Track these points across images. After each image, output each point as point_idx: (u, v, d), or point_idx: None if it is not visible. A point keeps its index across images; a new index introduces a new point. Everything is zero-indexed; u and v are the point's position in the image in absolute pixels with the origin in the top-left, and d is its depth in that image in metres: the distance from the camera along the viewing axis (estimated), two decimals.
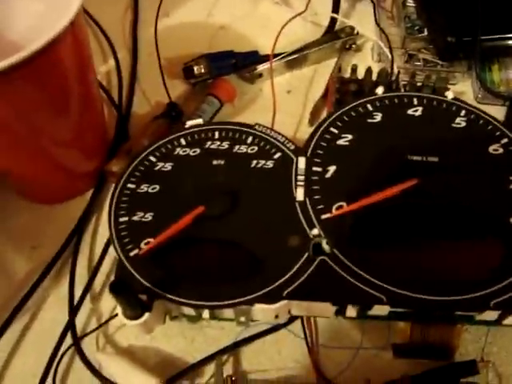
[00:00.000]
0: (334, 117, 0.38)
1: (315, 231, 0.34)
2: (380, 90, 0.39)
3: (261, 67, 0.47)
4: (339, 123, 0.38)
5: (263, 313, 0.33)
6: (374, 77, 0.44)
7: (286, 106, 0.46)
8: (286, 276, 0.33)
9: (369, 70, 0.43)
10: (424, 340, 0.35)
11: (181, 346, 0.37)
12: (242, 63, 0.46)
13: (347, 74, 0.46)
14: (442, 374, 0.36)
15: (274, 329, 0.37)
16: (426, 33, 0.49)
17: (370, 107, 0.39)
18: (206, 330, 0.38)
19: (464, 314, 0.34)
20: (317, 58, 0.48)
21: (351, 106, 0.39)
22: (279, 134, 0.38)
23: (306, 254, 0.33)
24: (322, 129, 0.38)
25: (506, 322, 0.34)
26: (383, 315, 0.34)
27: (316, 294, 0.33)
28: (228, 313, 0.34)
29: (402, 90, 0.43)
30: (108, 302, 0.38)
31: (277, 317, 0.34)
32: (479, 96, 0.47)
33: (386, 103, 0.39)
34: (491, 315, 0.33)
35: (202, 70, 0.45)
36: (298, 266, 0.33)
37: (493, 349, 0.37)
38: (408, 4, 0.50)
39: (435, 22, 0.47)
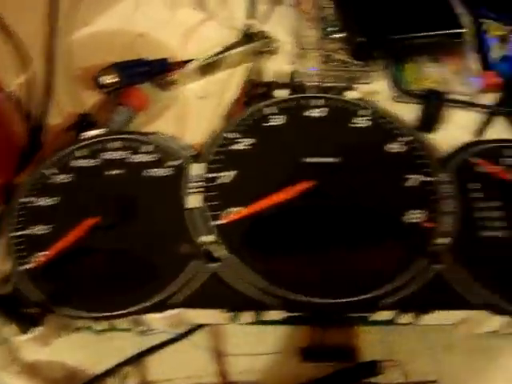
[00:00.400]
0: (234, 121, 0.38)
1: (210, 238, 0.34)
2: (283, 93, 0.39)
3: (174, 74, 0.46)
4: (240, 127, 0.38)
5: (158, 322, 0.33)
6: (285, 79, 0.44)
7: (200, 112, 0.46)
8: (177, 284, 0.32)
9: (277, 73, 0.43)
10: (324, 343, 0.35)
11: (86, 358, 0.37)
12: (154, 71, 0.45)
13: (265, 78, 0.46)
14: (343, 376, 0.36)
15: (180, 337, 0.37)
16: (342, 34, 0.48)
17: (272, 110, 0.39)
18: (111, 341, 0.37)
19: (358, 316, 0.34)
20: (232, 63, 0.48)
21: (252, 109, 0.39)
22: (179, 141, 0.38)
23: (197, 262, 0.33)
24: (221, 134, 0.38)
25: (402, 321, 0.34)
26: (280, 320, 0.34)
27: (209, 301, 0.33)
28: (124, 323, 0.34)
29: (311, 91, 0.42)
30: None
31: (176, 325, 0.34)
32: (395, 95, 0.47)
33: (289, 106, 0.39)
34: (386, 315, 0.33)
35: (113, 80, 0.45)
36: (187, 274, 0.33)
37: (400, 348, 0.37)
38: (326, 6, 0.50)
39: (348, 22, 0.47)
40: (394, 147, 0.38)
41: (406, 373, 0.37)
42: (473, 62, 0.48)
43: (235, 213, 0.34)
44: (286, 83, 0.42)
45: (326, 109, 0.39)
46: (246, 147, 0.37)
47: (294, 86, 0.43)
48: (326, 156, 0.37)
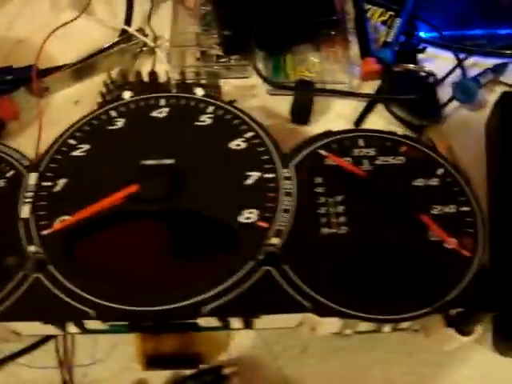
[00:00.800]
0: (72, 128, 0.37)
1: (33, 248, 0.33)
2: (127, 95, 0.39)
3: (48, 79, 0.46)
4: (78, 133, 0.37)
5: None
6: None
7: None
8: (1, 295, 0.32)
9: (138, 74, 0.42)
10: (158, 350, 0.34)
11: None
12: (21, 78, 0.45)
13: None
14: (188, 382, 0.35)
15: (26, 350, 0.37)
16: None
17: (113, 113, 0.38)
18: None
19: (189, 323, 0.33)
20: (108, 65, 0.47)
21: (93, 114, 0.38)
22: (15, 150, 0.37)
23: (22, 273, 0.33)
24: (58, 141, 0.37)
25: (234, 326, 0.33)
26: (105, 329, 0.33)
27: (29, 312, 0.32)
28: None
29: (172, 90, 0.41)
30: None
31: (9, 339, 0.34)
32: (268, 88, 0.45)
33: (131, 107, 0.38)
34: (212, 321, 0.32)
35: None
36: (11, 285, 0.32)
37: (247, 353, 0.36)
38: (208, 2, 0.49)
39: (217, 17, 0.45)
40: (236, 144, 0.36)
41: (251, 379, 0.36)
42: (354, 49, 0.47)
43: (60, 222, 0.34)
44: (142, 84, 0.41)
45: (170, 108, 0.38)
46: (82, 153, 0.36)
47: (154, 85, 0.41)
48: (163, 158, 0.36)
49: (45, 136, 0.44)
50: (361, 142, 0.37)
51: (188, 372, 0.36)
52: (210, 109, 0.38)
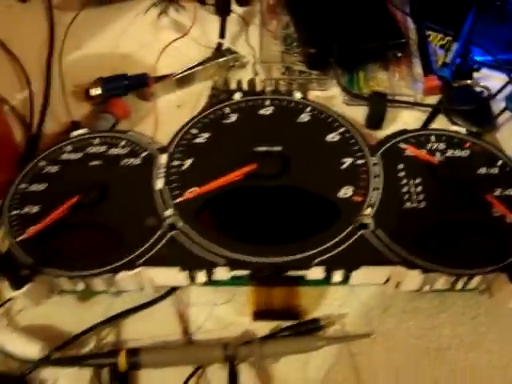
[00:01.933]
0: (194, 120, 0.48)
1: (169, 212, 0.43)
2: (238, 96, 0.49)
3: (154, 87, 0.56)
4: (199, 125, 0.47)
5: (127, 281, 0.42)
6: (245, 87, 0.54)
7: (177, 119, 0.55)
8: (143, 248, 0.41)
9: (239, 82, 0.53)
10: (270, 303, 0.43)
11: (71, 321, 0.45)
12: (134, 84, 0.56)
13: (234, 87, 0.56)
14: (290, 332, 0.44)
15: (151, 302, 0.46)
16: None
17: (227, 110, 0.48)
18: (93, 305, 0.46)
19: (296, 276, 0.42)
20: (205, 76, 0.58)
21: (210, 110, 0.48)
22: (147, 137, 0.47)
23: (161, 230, 0.42)
24: (183, 130, 0.47)
25: (335, 279, 0.42)
26: (229, 280, 0.42)
27: (166, 261, 0.41)
28: (99, 284, 0.42)
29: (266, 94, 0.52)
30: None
31: (142, 285, 0.43)
32: (346, 98, 0.56)
33: (242, 106, 0.49)
34: (318, 273, 0.42)
35: (99, 92, 0.55)
36: (153, 239, 0.42)
37: (342, 309, 0.45)
38: (289, 25, 0.60)
39: (302, 36, 0.56)
40: (331, 137, 0.46)
41: (344, 331, 0.45)
42: (417, 68, 0.57)
43: (190, 192, 0.43)
44: (245, 90, 0.52)
45: (274, 107, 0.48)
46: (203, 140, 0.46)
47: (253, 92, 0.52)
48: (272, 146, 0.46)
49: (151, 133, 0.54)
50: (432, 138, 0.47)
51: (288, 324, 0.44)
52: (308, 109, 0.48)
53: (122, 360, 0.41)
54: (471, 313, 0.45)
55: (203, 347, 0.43)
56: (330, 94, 0.57)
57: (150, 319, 0.45)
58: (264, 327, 0.44)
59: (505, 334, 0.44)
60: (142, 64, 0.60)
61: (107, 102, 0.55)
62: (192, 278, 0.42)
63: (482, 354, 0.43)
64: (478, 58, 0.58)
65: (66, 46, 0.61)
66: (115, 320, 0.45)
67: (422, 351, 0.44)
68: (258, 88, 0.53)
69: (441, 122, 0.55)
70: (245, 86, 0.52)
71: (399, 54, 0.57)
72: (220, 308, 0.45)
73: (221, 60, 0.58)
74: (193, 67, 0.57)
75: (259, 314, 0.44)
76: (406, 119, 0.56)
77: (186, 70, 0.57)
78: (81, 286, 0.43)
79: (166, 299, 0.46)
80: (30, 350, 0.42)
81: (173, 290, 0.46)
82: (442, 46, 0.59)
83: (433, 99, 0.57)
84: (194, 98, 0.57)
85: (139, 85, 0.56)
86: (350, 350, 0.44)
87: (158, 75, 0.58)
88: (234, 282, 0.43)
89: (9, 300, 0.45)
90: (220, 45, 0.59)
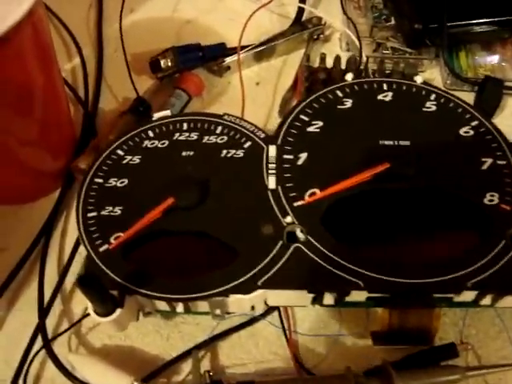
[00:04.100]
0: (303, 104, 0.38)
1: (289, 219, 0.34)
2: (349, 77, 0.39)
3: (228, 60, 0.46)
4: (309, 110, 0.38)
5: (239, 304, 0.33)
6: (343, 65, 0.44)
7: (256, 98, 0.46)
8: (261, 265, 0.32)
9: (337, 59, 0.43)
10: (402, 326, 0.35)
11: (156, 344, 0.36)
12: (210, 56, 0.45)
13: (316, 64, 0.46)
14: (422, 359, 0.35)
15: (251, 321, 0.37)
16: (393, 21, 0.48)
17: (339, 94, 0.39)
18: (181, 326, 0.37)
19: (442, 297, 0.33)
20: (285, 49, 0.48)
21: (321, 93, 0.39)
22: (248, 122, 0.37)
23: (280, 243, 0.33)
24: (291, 117, 0.37)
25: (483, 302, 0.34)
26: (361, 301, 0.33)
27: (291, 282, 0.32)
28: (203, 306, 0.33)
29: (372, 77, 0.42)
30: (79, 303, 0.37)
31: (253, 308, 0.34)
32: (447, 82, 0.47)
33: (356, 89, 0.39)
34: (468, 296, 0.33)
35: (169, 64, 0.44)
36: (272, 254, 0.32)
37: (471, 331, 0.37)
38: None
39: (402, 10, 0.47)
40: (465, 131, 0.37)
41: (478, 356, 0.37)
42: None
43: (312, 195, 0.34)
44: (349, 69, 0.42)
45: (394, 93, 0.39)
46: (317, 130, 0.37)
47: (359, 71, 0.42)
48: (399, 139, 0.36)
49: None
50: None
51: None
52: (433, 96, 0.39)
53: None
54: None
55: (328, 379, 0.34)
56: (427, 77, 0.47)
57: (250, 342, 0.36)
58: (387, 353, 0.36)
59: None
60: (205, 33, 0.49)
61: (176, 76, 0.44)
62: (316, 300, 0.33)
63: None
64: None
65: (117, 8, 0.49)
66: (212, 343, 0.36)
67: None
68: (343, 66, 0.43)
69: None
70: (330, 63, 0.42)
71: (506, 35, 0.47)
72: (331, 327, 0.37)
73: (305, 32, 0.47)
74: (272, 39, 0.47)
75: (382, 338, 0.35)
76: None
77: (265, 42, 0.47)
78: (180, 309, 0.33)
79: (267, 317, 0.37)
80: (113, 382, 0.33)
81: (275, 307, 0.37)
82: None
83: None
84: (273, 75, 0.47)
85: (214, 57, 0.45)
86: (484, 378, 0.36)
87: (232, 46, 0.47)
88: (368, 303, 0.34)
89: (83, 318, 0.35)
90: (301, 13, 0.48)
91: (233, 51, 0.46)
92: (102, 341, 0.36)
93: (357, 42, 0.45)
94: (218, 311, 0.34)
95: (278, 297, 0.33)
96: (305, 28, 0.48)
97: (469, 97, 0.45)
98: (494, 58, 0.48)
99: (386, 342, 0.36)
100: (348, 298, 0.33)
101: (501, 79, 0.45)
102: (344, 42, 0.48)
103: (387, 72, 0.43)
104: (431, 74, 0.48)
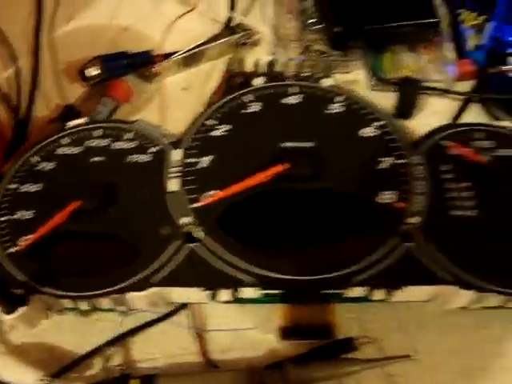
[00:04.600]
0: (211, 109, 0.40)
1: (187, 220, 0.36)
2: (258, 81, 0.41)
3: (157, 66, 0.48)
4: (217, 115, 0.40)
5: (139, 301, 0.35)
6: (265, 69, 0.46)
7: (182, 103, 0.48)
8: (156, 264, 0.34)
9: (256, 63, 0.45)
10: (303, 321, 0.37)
11: (73, 341, 0.38)
12: (138, 63, 0.47)
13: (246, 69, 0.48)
14: (323, 352, 0.37)
15: (163, 318, 0.39)
16: (321, 25, 0.50)
17: (248, 98, 0.41)
18: (97, 323, 0.39)
19: (333, 293, 0.35)
20: (214, 54, 0.50)
21: (229, 97, 0.40)
22: (157, 128, 0.39)
23: (177, 243, 0.35)
24: (198, 121, 0.39)
25: (376, 297, 0.36)
26: (257, 298, 0.35)
27: (185, 280, 0.34)
28: (106, 303, 0.35)
29: (289, 80, 0.44)
30: None
31: (156, 304, 0.36)
32: (372, 83, 0.48)
33: (264, 93, 0.41)
34: (359, 292, 0.35)
35: (96, 72, 0.46)
36: (167, 254, 0.35)
37: (375, 325, 0.39)
38: None
39: (325, 13, 0.48)
40: (368, 132, 0.39)
41: (380, 349, 0.38)
42: (448, 50, 0.50)
43: (211, 196, 0.36)
44: (264, 72, 0.44)
45: (301, 96, 0.41)
46: (223, 133, 0.39)
47: (272, 74, 0.44)
48: (301, 141, 0.38)
49: (156, 119, 0.46)
50: (480, 135, 0.40)
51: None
52: (339, 98, 0.41)
53: None
54: None
55: (227, 374, 0.36)
56: (352, 78, 0.49)
57: (162, 338, 0.38)
58: (293, 347, 0.38)
59: None
60: (141, 40, 0.51)
61: (106, 83, 0.47)
62: (213, 296, 0.35)
63: None
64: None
65: (56, 16, 0.51)
66: (124, 339, 0.38)
67: (466, 370, 0.38)
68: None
69: (475, 112, 0.48)
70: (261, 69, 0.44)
71: (429, 36, 0.49)
72: (241, 323, 0.39)
73: (232, 37, 0.49)
74: (201, 44, 0.49)
75: (287, 333, 0.37)
76: (435, 107, 0.49)
77: (193, 48, 0.49)
78: (84, 306, 0.35)
79: (179, 314, 0.39)
80: (25, 378, 0.35)
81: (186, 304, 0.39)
82: (473, 26, 0.51)
83: (464, 86, 0.50)
84: (201, 80, 0.50)
85: (142, 64, 0.47)
86: (387, 370, 0.38)
87: (160, 53, 0.49)
88: (265, 299, 0.36)
89: None
90: (230, 19, 0.50)
91: (162, 57, 0.48)
92: (20, 338, 0.38)
93: (279, 46, 0.47)
94: (122, 308, 0.36)
95: (179, 294, 0.35)
96: (233, 33, 0.50)
97: (393, 97, 0.47)
98: (418, 59, 0.50)
99: (289, 336, 0.38)
100: (246, 295, 0.35)
101: (417, 80, 0.46)
102: (270, 46, 0.50)
103: (305, 74, 0.44)
104: (357, 75, 0.50)
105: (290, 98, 0.41)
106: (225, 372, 0.37)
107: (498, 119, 0.47)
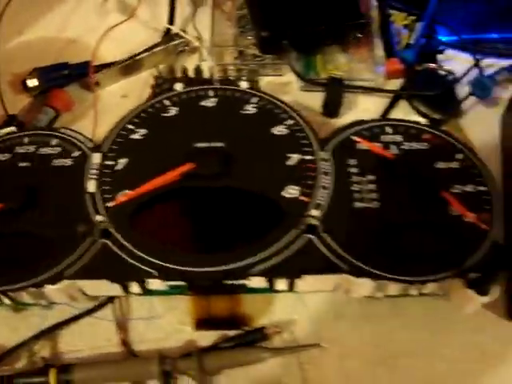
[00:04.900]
0: (130, 114, 0.43)
1: (100, 218, 0.39)
2: (178, 86, 0.44)
3: (99, 75, 0.52)
4: (136, 120, 0.43)
5: (55, 294, 0.38)
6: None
7: (122, 110, 0.51)
8: (69, 259, 0.37)
9: (184, 69, 0.48)
10: (215, 312, 0.40)
11: (5, 335, 0.42)
12: (78, 73, 0.51)
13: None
14: (233, 342, 0.40)
15: (89, 312, 0.42)
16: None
17: (167, 103, 0.44)
18: (29, 318, 0.42)
19: (237, 284, 0.38)
20: (153, 62, 0.53)
21: (149, 103, 0.44)
22: (81, 134, 0.43)
23: (91, 239, 0.38)
24: (118, 126, 0.43)
25: (278, 287, 0.38)
26: (163, 290, 0.38)
27: (97, 273, 0.37)
28: (27, 297, 0.39)
29: (215, 84, 0.47)
30: None
31: (74, 298, 0.39)
32: (301, 85, 0.51)
33: (183, 98, 0.44)
34: (260, 282, 0.38)
35: (36, 83, 0.50)
36: (81, 249, 0.38)
37: (286, 316, 0.41)
38: (244, 6, 0.55)
39: (254, 18, 0.51)
40: (279, 130, 0.42)
41: (291, 338, 0.41)
42: (379, 50, 0.53)
43: (123, 195, 0.39)
44: (190, 78, 0.47)
45: (218, 99, 0.44)
46: (141, 137, 0.42)
47: (201, 80, 0.47)
48: (214, 141, 0.41)
49: (97, 125, 0.50)
50: (389, 130, 0.43)
51: (233, 333, 0.41)
52: (254, 99, 0.44)
53: (51, 379, 0.37)
54: (428, 317, 0.42)
55: (139, 361, 0.39)
56: (285, 80, 0.52)
57: (88, 330, 0.42)
58: (208, 337, 0.41)
59: (462, 339, 0.41)
60: (87, 51, 0.55)
61: (47, 93, 0.50)
62: (126, 289, 0.38)
63: (439, 361, 0.40)
64: (443, 39, 0.53)
65: (3, 29, 0.55)
66: (50, 333, 0.41)
67: (377, 358, 0.41)
68: (207, 75, 0.48)
69: (403, 109, 0.51)
70: (192, 74, 0.48)
71: (359, 35, 0.52)
72: (162, 318, 0.42)
73: (168, 45, 0.52)
74: (138, 54, 0.52)
75: (201, 324, 0.41)
76: (367, 105, 0.51)
77: (131, 57, 0.52)
78: (7, 300, 0.39)
79: (105, 308, 0.42)
80: None
81: (112, 298, 0.42)
82: (406, 26, 0.54)
83: (395, 83, 0.52)
84: (140, 87, 0.53)
85: (82, 74, 0.51)
86: (299, 359, 0.40)
87: (103, 63, 0.53)
88: (173, 291, 0.39)
89: None
90: (169, 29, 0.54)
91: (102, 67, 0.52)
92: None
93: (207, 52, 0.51)
94: (43, 302, 0.39)
95: (91, 286, 0.39)
96: (171, 41, 0.53)
97: (321, 97, 0.50)
98: (350, 59, 0.52)
99: (203, 327, 0.41)
100: (154, 287, 0.38)
101: (343, 79, 0.49)
102: (205, 52, 0.53)
103: (232, 79, 0.47)
104: (290, 77, 0.52)
105: (207, 101, 0.44)
106: (139, 360, 0.40)
107: (424, 115, 0.49)
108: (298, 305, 0.42)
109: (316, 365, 0.40)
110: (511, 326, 0.41)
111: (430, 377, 0.40)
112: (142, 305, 0.42)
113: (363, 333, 0.41)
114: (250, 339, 0.40)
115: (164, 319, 0.42)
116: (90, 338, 0.42)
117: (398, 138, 0.42)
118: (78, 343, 0.41)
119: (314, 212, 0.39)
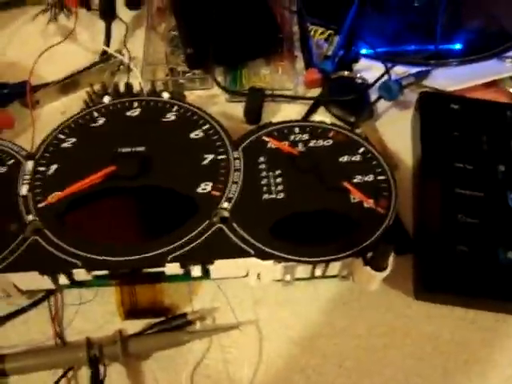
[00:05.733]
0: (62, 125, 0.50)
1: (31, 217, 0.45)
2: (106, 99, 0.51)
3: (39, 94, 0.58)
4: (66, 130, 0.50)
5: None
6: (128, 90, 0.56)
7: None
8: (1, 255, 0.43)
9: (115, 85, 0.55)
10: (140, 301, 0.46)
11: None
12: (17, 92, 0.58)
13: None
14: (158, 328, 0.46)
15: (28, 307, 0.48)
16: None
17: (95, 114, 0.51)
18: None
19: (156, 272, 0.44)
20: (89, 81, 0.60)
21: (79, 114, 0.50)
22: (15, 145, 0.49)
23: (21, 236, 0.44)
24: (50, 136, 0.49)
25: (195, 274, 0.45)
26: (90, 280, 0.44)
27: (26, 266, 0.43)
28: None
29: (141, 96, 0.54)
30: None
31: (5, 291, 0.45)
32: (227, 97, 0.58)
33: (111, 109, 0.51)
34: (176, 269, 0.44)
35: None
36: (12, 246, 0.44)
37: (208, 303, 0.48)
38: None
39: (182, 36, 0.59)
40: (196, 134, 0.49)
41: (214, 322, 0.47)
42: (300, 62, 0.60)
43: (52, 197, 0.46)
44: (118, 92, 0.54)
45: (142, 109, 0.50)
46: (70, 145, 0.49)
47: (131, 94, 0.54)
48: (136, 146, 0.48)
49: (37, 140, 0.56)
50: (296, 130, 0.50)
51: (158, 320, 0.47)
52: (175, 108, 0.51)
53: None
54: (343, 299, 0.48)
55: (67, 349, 0.45)
56: (213, 93, 0.59)
57: (25, 325, 0.47)
58: (136, 326, 0.46)
59: (371, 317, 0.47)
60: (27, 71, 0.61)
61: None
62: (55, 281, 0.44)
63: (351, 339, 0.46)
64: (363, 51, 0.60)
65: None
66: None
67: (295, 340, 0.47)
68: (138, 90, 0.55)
69: (322, 114, 0.58)
70: (122, 89, 0.54)
71: (279, 50, 0.59)
72: (93, 309, 0.47)
73: (103, 65, 0.60)
74: (75, 73, 0.59)
75: (129, 314, 0.46)
76: (288, 113, 0.58)
77: (68, 77, 0.59)
78: None
79: (42, 304, 0.48)
80: None
81: (49, 294, 0.48)
82: (326, 40, 0.61)
83: (315, 92, 0.59)
84: (78, 104, 0.59)
85: (21, 93, 0.58)
86: (220, 342, 0.46)
87: (43, 82, 0.60)
88: (101, 282, 0.45)
89: None
90: (105, 50, 0.61)
91: (41, 86, 0.59)
92: None
93: (138, 70, 0.58)
94: None
95: (21, 279, 0.44)
96: (108, 60, 0.60)
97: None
98: (273, 71, 0.60)
99: (131, 316, 0.46)
100: (80, 278, 0.44)
101: (262, 89, 0.56)
102: (136, 70, 0.60)
103: (157, 91, 0.54)
104: (217, 90, 0.60)
105: (132, 111, 0.51)
106: (68, 347, 0.45)
107: (340, 119, 0.56)
108: (219, 293, 0.48)
109: (236, 348, 0.46)
110: (417, 305, 0.47)
111: (343, 354, 0.46)
112: (74, 299, 0.48)
113: (281, 317, 0.47)
114: (174, 325, 0.46)
115: (96, 311, 0.48)
116: (26, 333, 0.47)
117: (305, 136, 0.49)
118: (15, 339, 0.47)
119: (226, 204, 0.45)
